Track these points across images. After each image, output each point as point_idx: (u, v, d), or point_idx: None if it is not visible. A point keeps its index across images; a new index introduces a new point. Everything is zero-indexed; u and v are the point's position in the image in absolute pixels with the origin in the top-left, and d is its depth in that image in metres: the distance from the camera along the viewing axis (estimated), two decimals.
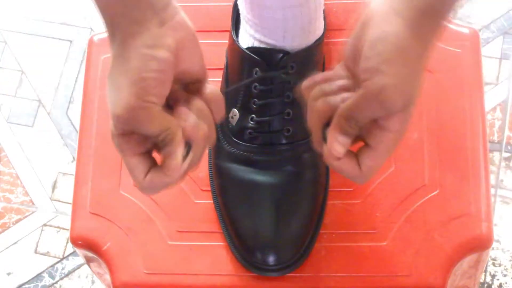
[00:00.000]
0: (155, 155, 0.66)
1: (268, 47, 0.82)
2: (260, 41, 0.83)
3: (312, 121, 0.67)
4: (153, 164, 0.65)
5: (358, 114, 0.63)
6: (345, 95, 0.65)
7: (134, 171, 0.65)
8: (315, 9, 0.83)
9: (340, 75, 0.66)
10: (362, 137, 0.66)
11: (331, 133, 0.65)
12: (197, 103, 0.65)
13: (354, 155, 0.66)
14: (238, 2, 0.86)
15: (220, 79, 0.89)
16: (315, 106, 0.66)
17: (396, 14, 0.61)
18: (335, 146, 0.65)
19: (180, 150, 0.63)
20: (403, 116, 0.63)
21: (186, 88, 0.66)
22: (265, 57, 0.81)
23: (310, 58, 0.84)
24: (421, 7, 0.60)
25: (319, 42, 0.84)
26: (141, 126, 0.62)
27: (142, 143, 0.64)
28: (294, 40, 0.82)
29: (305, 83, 0.68)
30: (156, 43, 0.61)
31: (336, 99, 0.65)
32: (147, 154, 0.65)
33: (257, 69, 0.82)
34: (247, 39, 0.84)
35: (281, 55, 0.81)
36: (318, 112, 0.66)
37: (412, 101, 0.63)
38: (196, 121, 0.64)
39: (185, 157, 0.64)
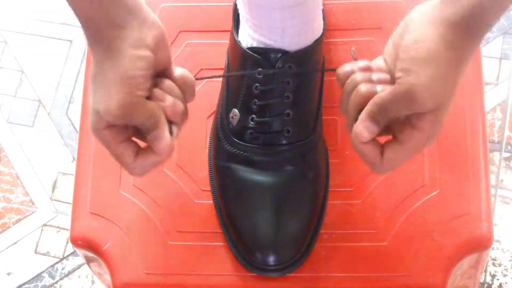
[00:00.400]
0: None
1: (267, 47, 0.82)
2: (259, 41, 0.83)
3: (351, 102, 0.70)
4: (138, 146, 0.70)
5: (389, 107, 0.67)
6: (385, 86, 0.68)
7: (122, 157, 0.70)
8: (313, 9, 0.83)
9: (380, 67, 0.70)
10: (393, 131, 0.69)
11: (362, 118, 0.68)
12: (167, 83, 0.70)
13: (380, 144, 0.69)
14: (237, 3, 0.86)
15: (221, 79, 0.89)
16: (358, 89, 0.69)
17: (430, 23, 0.65)
18: (362, 130, 0.68)
19: (167, 131, 0.69)
20: (433, 118, 0.67)
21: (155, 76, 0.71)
22: (264, 57, 0.82)
23: (309, 58, 0.84)
24: (450, 18, 0.64)
25: (318, 42, 0.84)
26: (132, 119, 0.67)
27: (124, 131, 0.69)
28: (292, 40, 0.82)
29: (346, 66, 0.71)
30: (140, 44, 0.67)
31: (377, 88, 0.68)
32: (130, 138, 0.70)
33: (258, 69, 0.82)
34: (246, 39, 0.84)
35: (280, 55, 0.81)
36: (359, 95, 0.69)
37: (443, 105, 0.66)
38: (172, 100, 0.70)
39: (170, 135, 0.69)
